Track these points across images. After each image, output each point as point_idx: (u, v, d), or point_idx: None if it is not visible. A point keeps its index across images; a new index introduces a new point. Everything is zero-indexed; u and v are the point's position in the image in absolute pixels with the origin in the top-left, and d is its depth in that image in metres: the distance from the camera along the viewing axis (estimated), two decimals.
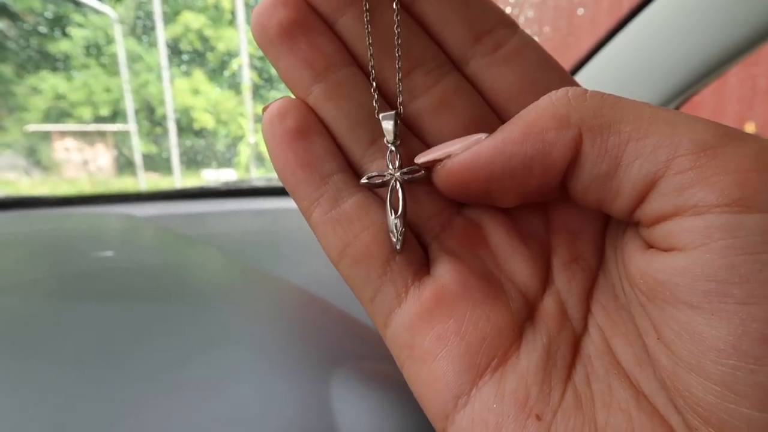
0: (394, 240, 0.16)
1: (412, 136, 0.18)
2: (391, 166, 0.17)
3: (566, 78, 0.18)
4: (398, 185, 0.17)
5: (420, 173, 0.17)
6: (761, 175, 0.11)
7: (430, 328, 0.16)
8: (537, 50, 0.18)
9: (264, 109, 0.17)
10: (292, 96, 0.17)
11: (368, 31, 0.17)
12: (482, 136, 0.15)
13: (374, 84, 0.17)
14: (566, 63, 0.63)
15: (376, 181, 0.17)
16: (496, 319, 0.16)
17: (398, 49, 0.17)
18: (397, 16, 0.17)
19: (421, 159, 0.16)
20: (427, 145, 0.18)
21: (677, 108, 0.58)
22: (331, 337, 0.25)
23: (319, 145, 0.17)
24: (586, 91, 0.14)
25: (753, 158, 0.12)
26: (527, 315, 0.16)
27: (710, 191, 0.12)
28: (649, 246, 0.14)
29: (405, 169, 0.17)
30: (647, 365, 0.15)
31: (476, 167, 0.15)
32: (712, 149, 0.12)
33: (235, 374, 0.21)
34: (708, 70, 0.50)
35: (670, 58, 0.52)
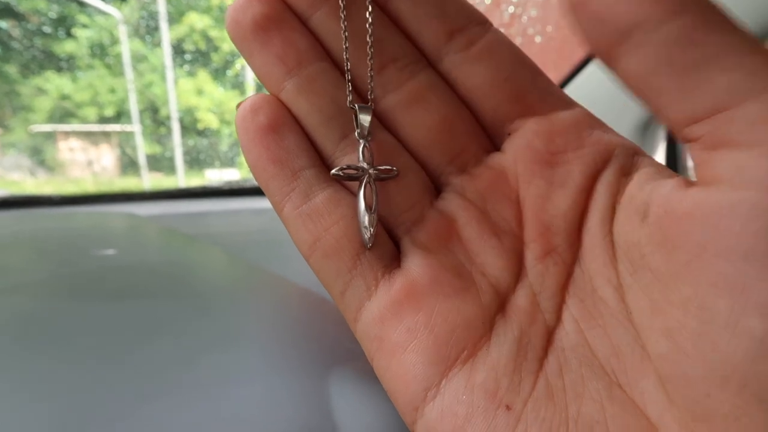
0: (366, 236, 0.16)
1: (384, 130, 0.18)
2: (364, 161, 0.17)
3: (539, 75, 0.18)
4: (371, 180, 0.17)
5: (393, 172, 0.17)
6: None
7: (399, 320, 0.16)
8: (510, 48, 0.18)
9: (238, 106, 0.17)
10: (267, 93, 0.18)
11: (344, 26, 0.17)
12: None
13: (349, 79, 0.17)
14: (569, 61, 0.62)
15: (349, 174, 0.17)
16: (466, 311, 0.16)
17: (371, 45, 0.17)
18: (370, 12, 0.17)
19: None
20: (400, 141, 0.18)
21: None
22: (333, 336, 0.25)
23: (290, 140, 0.17)
24: None
25: None
26: (498, 308, 0.16)
27: None
28: (700, 174, 0.13)
29: (380, 167, 0.17)
30: (626, 355, 0.14)
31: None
32: None
33: (237, 373, 0.21)
34: None
35: None
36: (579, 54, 0.62)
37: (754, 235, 0.11)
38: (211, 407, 0.19)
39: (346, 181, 0.17)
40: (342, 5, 0.17)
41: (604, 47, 0.13)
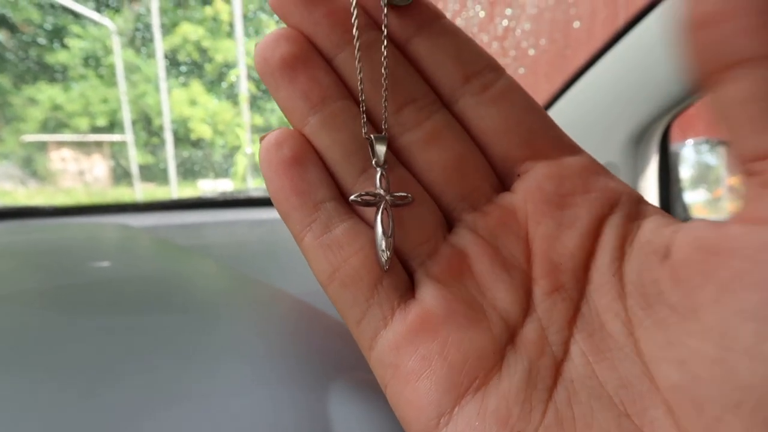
0: (383, 259, 0.17)
1: (400, 166, 0.19)
2: (380, 188, 0.18)
3: (547, 120, 0.19)
4: (388, 207, 0.18)
5: (408, 199, 0.18)
6: None
7: (414, 349, 0.16)
8: (521, 93, 0.19)
9: (261, 139, 0.18)
10: (290, 126, 0.18)
11: (359, 67, 0.18)
12: None
13: (363, 111, 0.18)
14: (563, 75, 0.63)
15: (367, 199, 0.17)
16: (478, 341, 0.16)
17: (385, 85, 0.18)
18: (384, 57, 0.18)
19: None
20: (415, 176, 0.19)
21: (673, 119, 0.59)
22: (328, 347, 0.25)
23: (313, 173, 0.18)
24: None
25: None
26: (508, 339, 0.17)
27: None
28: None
29: (396, 194, 0.18)
30: (634, 386, 0.15)
31: None
32: None
33: (232, 385, 0.21)
34: None
35: (666, 70, 0.52)
36: (572, 67, 0.62)
37: None
38: (208, 420, 0.19)
39: (363, 209, 0.18)
40: (357, 46, 0.18)
41: (710, 71, 0.13)
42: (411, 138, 0.19)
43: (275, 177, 0.18)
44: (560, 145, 0.18)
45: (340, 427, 0.20)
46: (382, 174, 0.18)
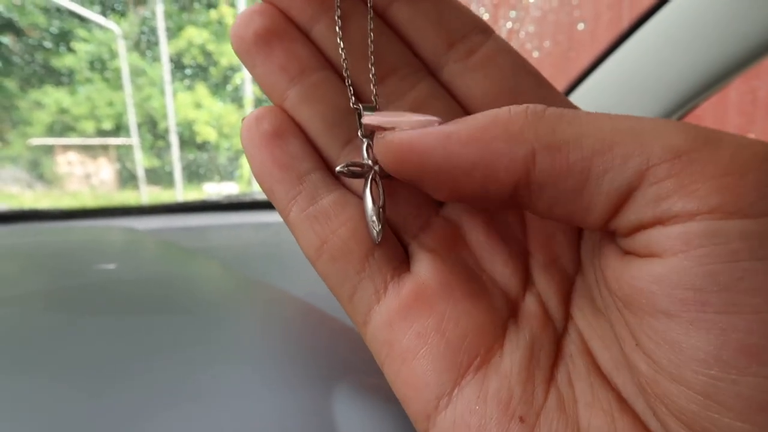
0: (375, 231, 0.16)
1: None
2: (368, 159, 0.17)
3: (543, 83, 0.18)
4: (377, 177, 0.17)
5: None
6: (740, 179, 0.11)
7: (409, 325, 0.15)
8: (512, 55, 0.18)
9: (243, 120, 0.18)
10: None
11: (340, 38, 0.17)
12: (436, 120, 0.14)
13: (350, 83, 0.17)
14: (567, 77, 0.63)
15: (354, 170, 0.17)
16: (477, 316, 0.16)
17: (371, 56, 0.17)
18: (370, 24, 0.17)
19: (368, 120, 0.16)
20: None
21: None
22: (332, 349, 0.25)
23: (295, 145, 0.17)
24: (545, 108, 0.13)
25: (729, 161, 0.11)
26: (510, 313, 0.16)
27: (689, 200, 0.11)
28: (626, 252, 0.13)
29: None
30: (624, 369, 0.14)
31: (414, 151, 0.14)
32: (686, 155, 0.11)
33: (236, 387, 0.21)
34: (708, 84, 0.50)
35: (671, 72, 0.52)
36: (576, 69, 0.62)
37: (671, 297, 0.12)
38: (212, 422, 0.19)
39: (351, 180, 0.17)
40: (338, 17, 0.17)
41: None
42: (396, 109, 0.18)
43: (256, 152, 0.17)
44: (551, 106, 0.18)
45: (345, 428, 0.20)
46: (369, 144, 0.17)
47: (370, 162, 0.17)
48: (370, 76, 0.17)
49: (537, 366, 0.15)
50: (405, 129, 0.14)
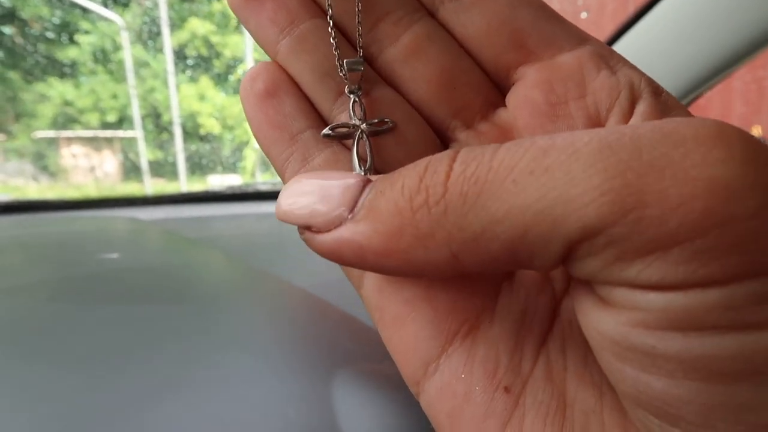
0: None
1: (385, 85, 0.17)
2: (354, 117, 0.16)
3: (540, 12, 0.16)
4: (365, 137, 0.16)
5: (387, 125, 0.17)
6: (664, 254, 0.10)
7: (397, 291, 0.15)
8: None
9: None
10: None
11: None
12: (344, 211, 0.13)
13: (333, 36, 0.17)
14: None
15: (340, 132, 0.16)
16: (468, 281, 0.15)
17: (358, 1, 0.17)
18: None
19: (279, 208, 0.15)
20: (404, 95, 0.17)
21: None
22: (334, 338, 0.25)
23: (288, 103, 0.17)
24: (444, 192, 0.12)
25: (652, 237, 0.10)
26: (505, 275, 0.16)
27: (615, 273, 0.11)
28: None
29: (373, 120, 0.16)
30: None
31: (341, 260, 0.14)
32: (603, 233, 0.10)
33: (239, 375, 0.21)
34: (712, 74, 0.50)
35: (675, 60, 0.52)
36: None
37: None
38: (215, 410, 0.19)
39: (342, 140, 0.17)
40: None
41: None
42: (390, 54, 0.17)
43: (253, 113, 0.17)
44: (554, 40, 0.16)
45: (345, 416, 0.20)
46: (355, 101, 0.16)
47: (356, 121, 0.16)
48: (357, 23, 0.17)
49: (529, 332, 0.15)
50: (320, 229, 0.13)
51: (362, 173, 0.16)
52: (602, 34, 0.60)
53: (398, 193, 0.12)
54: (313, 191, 0.14)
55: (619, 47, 0.57)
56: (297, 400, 0.20)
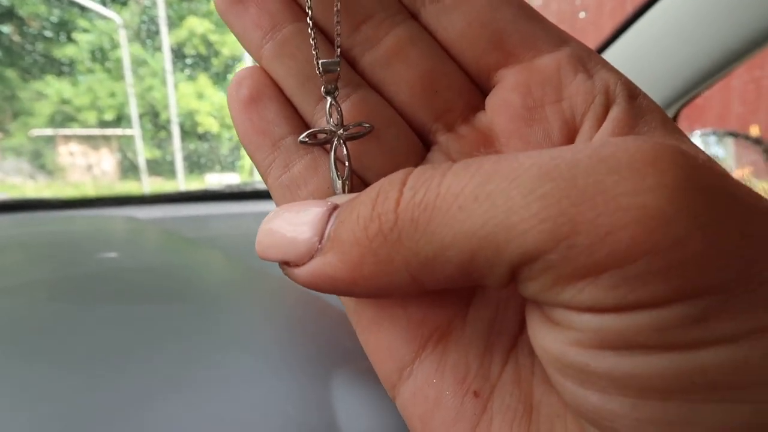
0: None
1: (367, 88, 0.17)
2: (331, 121, 0.16)
3: (520, 13, 0.16)
4: (341, 143, 0.16)
5: (366, 128, 0.17)
6: (595, 279, 0.10)
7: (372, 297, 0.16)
8: None
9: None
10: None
11: None
12: (316, 242, 0.13)
13: (313, 38, 0.17)
14: None
15: (319, 138, 0.16)
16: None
17: (337, 3, 0.16)
18: None
19: (257, 248, 0.15)
20: (386, 98, 0.17)
21: (679, 110, 0.58)
22: (333, 337, 0.25)
23: (271, 109, 0.17)
24: (396, 218, 0.12)
25: (583, 263, 0.10)
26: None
27: (555, 295, 0.11)
28: None
29: (349, 125, 0.16)
30: None
31: (317, 289, 0.14)
32: (541, 258, 0.11)
33: (237, 374, 0.21)
34: (709, 73, 0.50)
35: (673, 60, 0.52)
36: None
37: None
38: (215, 410, 0.19)
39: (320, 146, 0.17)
40: None
41: None
42: (372, 57, 0.17)
43: (238, 118, 0.17)
44: (534, 41, 0.16)
45: (344, 415, 0.20)
46: (332, 104, 0.16)
47: (332, 126, 0.16)
48: (335, 24, 0.17)
49: (498, 338, 0.15)
50: (298, 264, 0.14)
51: (339, 182, 0.16)
52: (600, 34, 0.60)
53: (354, 222, 0.13)
54: (284, 227, 0.14)
55: (617, 47, 0.57)
56: (296, 399, 0.20)
